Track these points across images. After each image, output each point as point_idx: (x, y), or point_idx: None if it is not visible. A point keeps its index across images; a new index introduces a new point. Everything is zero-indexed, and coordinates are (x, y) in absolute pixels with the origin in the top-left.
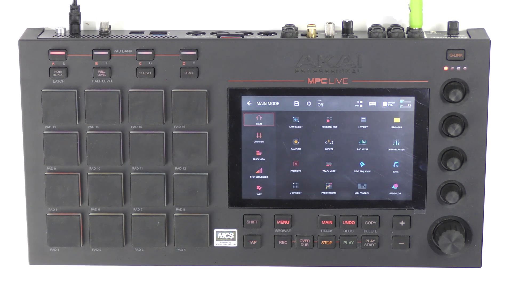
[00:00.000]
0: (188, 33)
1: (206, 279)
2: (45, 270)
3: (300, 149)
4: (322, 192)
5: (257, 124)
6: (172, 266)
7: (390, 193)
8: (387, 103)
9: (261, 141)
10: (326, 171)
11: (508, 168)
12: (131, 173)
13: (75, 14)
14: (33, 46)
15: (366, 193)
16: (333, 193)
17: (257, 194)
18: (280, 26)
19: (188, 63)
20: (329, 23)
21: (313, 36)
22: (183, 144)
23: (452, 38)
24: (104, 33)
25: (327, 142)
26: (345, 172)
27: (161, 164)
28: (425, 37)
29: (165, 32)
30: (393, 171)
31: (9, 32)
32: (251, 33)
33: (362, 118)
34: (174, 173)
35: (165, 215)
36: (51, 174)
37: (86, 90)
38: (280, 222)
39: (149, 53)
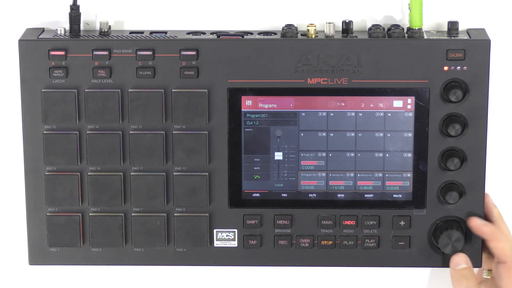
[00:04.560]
0: (188, 33)
1: (206, 279)
2: (45, 270)
3: (300, 149)
4: (322, 192)
5: (257, 123)
6: (172, 266)
7: (390, 193)
8: (387, 103)
9: (261, 141)
10: (326, 171)
11: (508, 168)
12: (131, 173)
13: (75, 14)
14: (33, 46)
15: (366, 193)
16: (334, 193)
17: (257, 194)
18: (280, 26)
19: (188, 63)
20: (329, 23)
21: (313, 36)
22: (183, 144)
23: (452, 38)
24: (104, 33)
25: (327, 142)
26: (345, 172)
27: (161, 164)
28: (425, 37)
29: (165, 32)
30: (393, 171)
31: (9, 32)
32: (251, 33)
33: (362, 118)
34: (174, 173)
35: (165, 215)
36: (51, 174)
37: (86, 90)
38: (280, 222)
39: (149, 53)
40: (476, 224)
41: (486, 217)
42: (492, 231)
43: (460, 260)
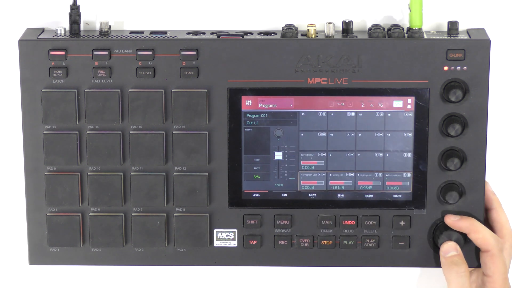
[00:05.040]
0: (188, 33)
1: (206, 279)
2: (45, 270)
3: (300, 149)
4: (322, 192)
5: (257, 123)
6: (172, 266)
7: (390, 193)
8: (387, 103)
9: (261, 141)
10: (326, 171)
11: (508, 168)
12: (131, 173)
13: (75, 14)
14: (33, 46)
15: (366, 193)
16: (334, 193)
17: (257, 194)
18: (280, 26)
19: (188, 63)
20: (329, 23)
21: (313, 36)
22: (183, 144)
23: (452, 38)
24: (104, 33)
25: (327, 142)
26: (345, 172)
27: (161, 164)
28: (425, 37)
29: (165, 32)
30: (393, 171)
31: (9, 32)
32: (251, 33)
33: (362, 118)
34: (174, 173)
35: (165, 215)
36: (51, 174)
37: (86, 90)
38: (280, 222)
39: (149, 53)
40: (451, 220)
41: (486, 205)
42: (469, 223)
43: (450, 248)
